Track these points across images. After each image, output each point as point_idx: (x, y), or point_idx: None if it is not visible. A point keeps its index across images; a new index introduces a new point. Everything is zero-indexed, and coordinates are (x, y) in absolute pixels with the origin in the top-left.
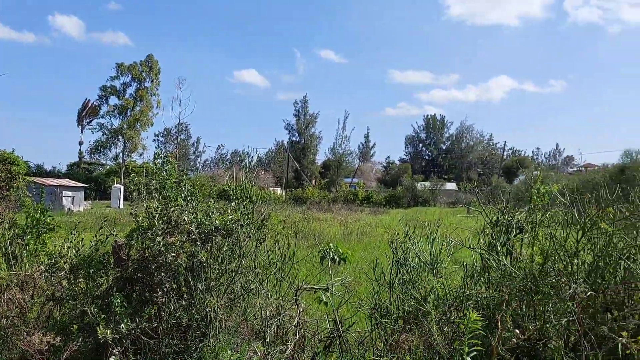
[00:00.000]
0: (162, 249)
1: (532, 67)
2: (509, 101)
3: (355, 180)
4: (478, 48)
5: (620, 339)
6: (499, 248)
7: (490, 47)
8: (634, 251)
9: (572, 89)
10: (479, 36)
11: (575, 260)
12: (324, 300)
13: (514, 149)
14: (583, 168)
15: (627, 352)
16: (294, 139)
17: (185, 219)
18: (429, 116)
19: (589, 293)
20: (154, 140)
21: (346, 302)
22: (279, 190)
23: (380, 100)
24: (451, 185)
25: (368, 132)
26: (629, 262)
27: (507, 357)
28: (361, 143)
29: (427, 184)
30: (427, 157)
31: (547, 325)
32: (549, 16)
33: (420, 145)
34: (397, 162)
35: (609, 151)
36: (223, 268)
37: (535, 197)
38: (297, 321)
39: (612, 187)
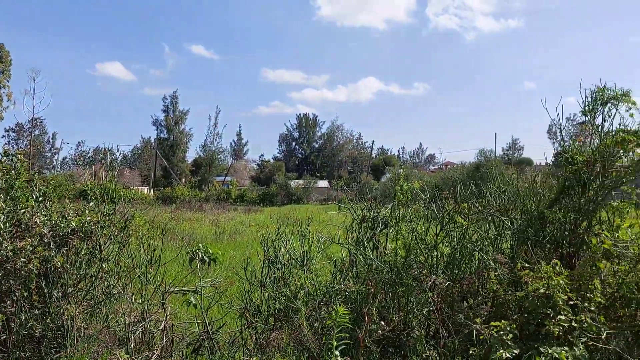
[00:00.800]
0: (10, 254)
1: (398, 70)
2: (377, 102)
3: (228, 178)
4: (348, 49)
5: (475, 325)
6: (365, 243)
7: (360, 49)
8: (486, 243)
9: (433, 91)
10: (348, 38)
11: (435, 253)
12: (193, 302)
13: (382, 147)
14: (444, 166)
15: (481, 337)
16: (162, 135)
17: (37, 221)
18: (302, 115)
19: (446, 283)
20: (4, 136)
21: (216, 303)
22: (145, 190)
23: (253, 98)
24: (323, 183)
25: (240, 130)
26: (482, 254)
27: (374, 349)
28: (233, 141)
29: (301, 181)
30: (300, 155)
31: (410, 315)
32: (413, 21)
33: (294, 143)
34: (271, 160)
35: (466, 150)
36: (82, 273)
37: (399, 194)
38: (164, 325)
39: (469, 184)
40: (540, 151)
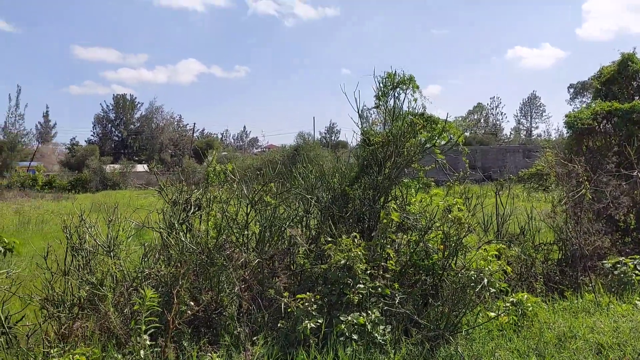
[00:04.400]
0: None
1: (219, 52)
2: (199, 84)
3: (34, 164)
4: (166, 30)
5: (283, 299)
6: (177, 226)
7: (179, 30)
8: (296, 220)
9: (255, 75)
10: (167, 18)
11: (246, 232)
12: None
13: (204, 130)
14: (266, 149)
15: (289, 310)
16: None
17: None
18: (119, 96)
19: (256, 261)
20: None
21: (13, 296)
22: None
23: (63, 77)
24: (142, 167)
25: (47, 111)
26: (290, 230)
27: (185, 330)
28: (40, 123)
29: (117, 166)
30: (117, 138)
31: (222, 294)
32: (232, 5)
33: (110, 125)
34: (84, 144)
35: (288, 133)
36: None
37: (212, 175)
38: None
39: (288, 165)
40: (356, 135)
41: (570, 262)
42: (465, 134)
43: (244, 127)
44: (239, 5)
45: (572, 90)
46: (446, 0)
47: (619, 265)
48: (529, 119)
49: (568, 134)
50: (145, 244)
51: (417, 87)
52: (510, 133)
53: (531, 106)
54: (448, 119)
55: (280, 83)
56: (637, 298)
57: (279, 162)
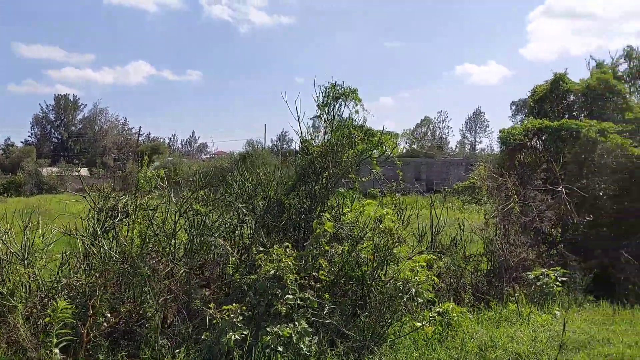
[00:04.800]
0: None
1: (171, 56)
2: (148, 87)
3: None
4: (116, 29)
5: (208, 310)
6: (99, 233)
7: (129, 30)
8: (229, 229)
9: (207, 79)
10: (116, 17)
11: (173, 241)
12: None
13: (150, 135)
14: (215, 155)
15: (214, 321)
16: None
17: None
18: (60, 96)
19: (182, 271)
20: None
21: None
22: None
23: (2, 75)
24: (83, 171)
25: None
26: (220, 240)
27: (102, 343)
28: None
29: (55, 169)
30: (56, 140)
31: (145, 305)
32: (186, 8)
33: (49, 126)
34: (20, 145)
35: (237, 140)
36: None
37: (142, 182)
38: None
39: (237, 173)
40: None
41: (497, 273)
42: (413, 146)
43: (193, 132)
44: (194, 8)
45: (514, 107)
46: (399, 14)
47: (541, 277)
48: (473, 133)
49: (501, 149)
50: (66, 253)
51: (360, 100)
52: (456, 146)
53: (476, 121)
54: (398, 131)
55: (232, 89)
56: (557, 308)
57: (226, 170)
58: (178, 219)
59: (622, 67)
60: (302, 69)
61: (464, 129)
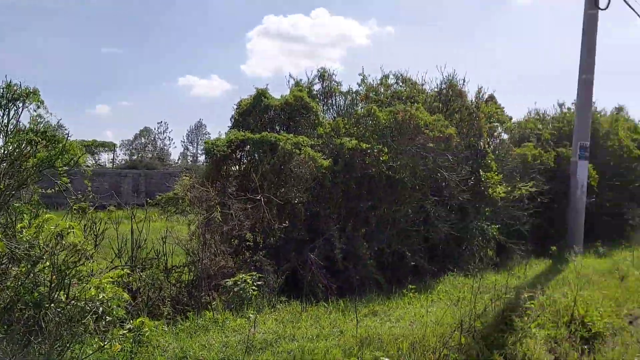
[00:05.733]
0: None
1: None
2: None
3: None
4: None
5: None
6: None
7: None
8: None
9: None
10: None
11: None
12: None
13: None
14: None
15: None
16: None
17: None
18: None
19: None
20: None
21: None
22: None
23: None
24: None
25: None
26: None
27: None
28: None
29: None
30: None
31: None
32: None
33: None
34: None
35: None
36: None
37: None
38: None
39: None
40: None
41: (198, 283)
42: (134, 157)
43: None
44: None
45: (233, 120)
46: (117, 18)
47: (239, 282)
48: (195, 145)
49: (206, 161)
50: None
51: (42, 102)
52: (178, 158)
53: (197, 133)
54: (116, 141)
55: None
56: (252, 312)
57: None
58: None
59: (317, 87)
60: (5, 71)
61: (185, 141)
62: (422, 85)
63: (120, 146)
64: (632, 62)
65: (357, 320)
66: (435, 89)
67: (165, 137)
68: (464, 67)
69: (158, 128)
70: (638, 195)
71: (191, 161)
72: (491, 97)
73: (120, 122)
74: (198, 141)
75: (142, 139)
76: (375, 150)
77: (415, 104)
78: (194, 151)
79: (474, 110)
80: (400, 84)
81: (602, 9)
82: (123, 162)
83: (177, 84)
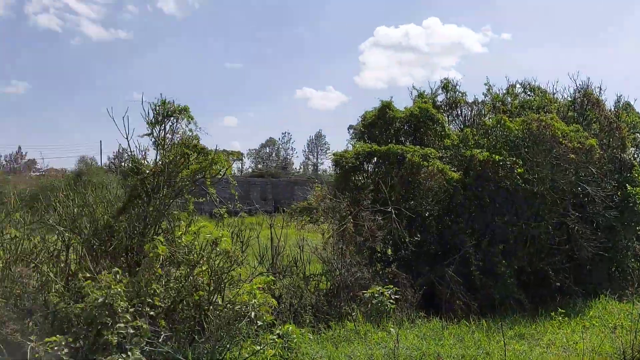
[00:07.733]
0: None
1: None
2: None
3: None
4: None
5: (29, 343)
6: None
7: None
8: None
9: (35, 91)
10: None
11: None
12: None
13: None
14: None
15: (36, 355)
16: None
17: None
18: None
19: None
20: None
21: None
22: None
23: None
24: None
25: None
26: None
27: None
28: None
29: None
30: None
31: None
32: (9, 14)
33: None
34: None
35: (70, 156)
36: None
37: None
38: None
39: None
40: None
41: (336, 292)
42: (259, 166)
43: (19, 147)
44: (18, 15)
45: (351, 130)
46: (238, 34)
47: (377, 295)
48: (315, 155)
49: (335, 172)
50: None
51: (192, 118)
52: (300, 167)
53: (317, 143)
54: (243, 151)
55: (64, 103)
56: (391, 325)
57: (57, 189)
58: None
59: (440, 97)
60: (143, 85)
61: (306, 151)
62: (554, 94)
63: (247, 155)
64: None
65: (504, 343)
66: (569, 98)
67: (289, 147)
68: (591, 72)
69: (282, 138)
70: None
71: (312, 170)
72: (628, 105)
73: (247, 133)
74: (318, 151)
75: (267, 148)
76: (509, 163)
77: (549, 114)
78: (314, 160)
79: (613, 120)
80: (529, 92)
81: None
82: (249, 169)
83: (295, 95)
